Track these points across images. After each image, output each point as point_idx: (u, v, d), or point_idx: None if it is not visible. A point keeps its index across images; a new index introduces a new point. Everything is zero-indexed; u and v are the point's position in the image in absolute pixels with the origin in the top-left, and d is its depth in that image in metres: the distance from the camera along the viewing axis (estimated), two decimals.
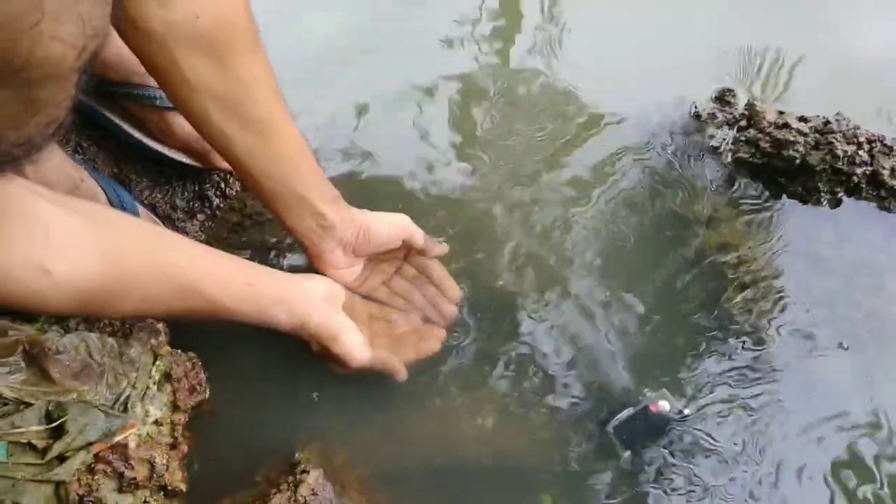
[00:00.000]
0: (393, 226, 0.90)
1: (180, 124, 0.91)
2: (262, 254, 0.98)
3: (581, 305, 0.95)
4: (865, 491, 0.85)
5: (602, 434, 0.86)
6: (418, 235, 0.92)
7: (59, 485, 0.69)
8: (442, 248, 0.95)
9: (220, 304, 0.74)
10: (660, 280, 0.97)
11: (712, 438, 0.87)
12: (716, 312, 0.94)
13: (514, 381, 0.91)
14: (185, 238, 0.75)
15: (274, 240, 0.99)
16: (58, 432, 0.70)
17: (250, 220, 1.00)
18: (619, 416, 0.86)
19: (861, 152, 0.97)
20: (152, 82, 0.88)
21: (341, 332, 0.81)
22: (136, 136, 0.94)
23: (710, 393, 0.89)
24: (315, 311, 0.80)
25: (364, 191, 0.90)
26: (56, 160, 0.85)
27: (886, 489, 0.84)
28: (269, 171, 0.79)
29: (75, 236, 0.63)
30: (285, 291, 0.80)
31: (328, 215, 0.84)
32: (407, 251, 0.93)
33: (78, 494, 0.70)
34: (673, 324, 0.94)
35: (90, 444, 0.71)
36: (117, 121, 0.93)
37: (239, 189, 1.01)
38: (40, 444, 0.69)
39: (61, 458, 0.69)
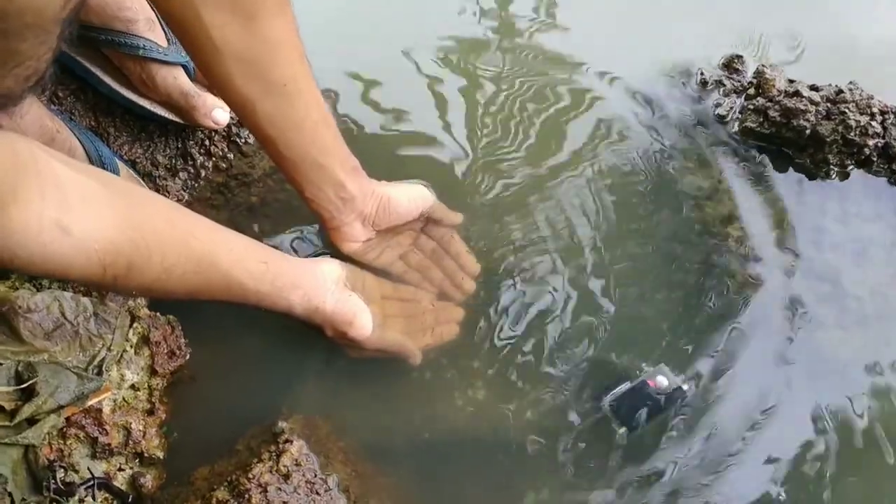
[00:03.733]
0: (412, 197, 0.89)
1: (163, 76, 0.87)
2: (248, 216, 0.95)
3: (577, 278, 0.94)
4: (868, 466, 0.84)
5: (598, 409, 0.85)
6: (437, 206, 0.91)
7: (28, 448, 0.68)
8: (458, 216, 0.93)
9: (235, 280, 0.72)
10: (660, 252, 0.95)
11: (711, 415, 0.85)
12: (718, 287, 0.93)
13: (507, 354, 0.89)
14: (197, 214, 0.73)
15: (260, 202, 0.96)
16: (28, 394, 0.68)
17: (236, 181, 0.97)
18: (615, 390, 0.85)
19: (874, 123, 0.95)
20: (136, 29, 0.85)
21: (356, 317, 0.80)
22: (115, 87, 0.90)
23: (710, 369, 0.88)
24: (329, 296, 0.79)
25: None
26: (32, 111, 0.81)
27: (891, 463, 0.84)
28: (290, 138, 0.77)
29: (91, 197, 0.60)
30: (300, 276, 0.78)
31: (348, 186, 0.82)
32: (425, 222, 0.93)
33: (48, 459, 0.68)
34: (673, 297, 0.92)
35: (61, 407, 0.69)
36: (95, 71, 0.89)
37: (224, 148, 0.97)
38: (9, 405, 0.67)
39: (31, 421, 0.68)
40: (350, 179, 0.82)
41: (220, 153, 0.97)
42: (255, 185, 0.97)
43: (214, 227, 0.73)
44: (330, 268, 0.83)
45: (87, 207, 0.59)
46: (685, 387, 0.85)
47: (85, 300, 0.75)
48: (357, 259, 0.88)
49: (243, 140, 0.98)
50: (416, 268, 0.92)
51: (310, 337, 0.83)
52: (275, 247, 0.90)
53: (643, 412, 0.83)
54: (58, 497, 0.66)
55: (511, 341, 0.90)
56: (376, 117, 1.05)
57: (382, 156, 1.00)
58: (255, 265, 0.74)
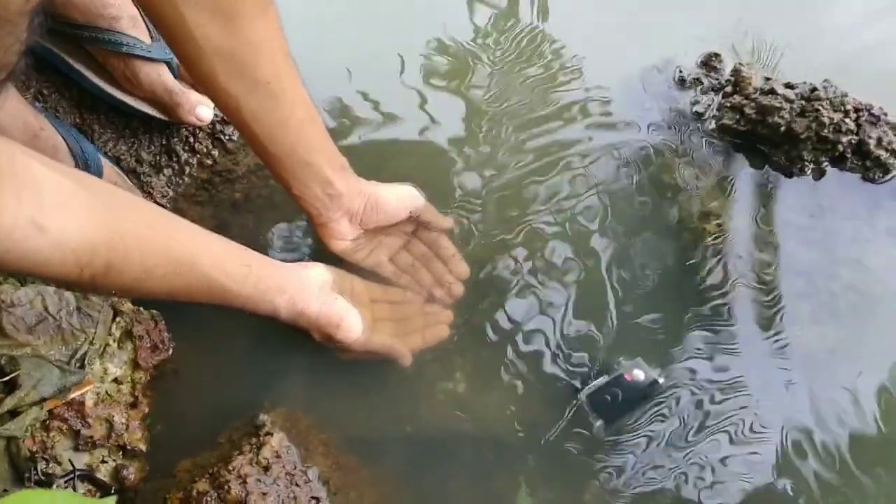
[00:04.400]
0: (401, 197, 0.88)
1: (147, 73, 0.88)
2: (232, 212, 0.96)
3: (556, 273, 0.94)
4: (835, 461, 0.84)
5: (575, 402, 0.86)
6: (426, 209, 0.90)
7: (10, 440, 0.68)
8: (447, 221, 0.93)
9: (216, 282, 0.71)
10: (637, 248, 0.96)
11: (686, 409, 0.86)
12: (694, 282, 0.94)
13: (487, 348, 0.89)
14: (179, 217, 0.73)
15: (244, 198, 0.97)
16: (10, 387, 0.69)
17: (220, 178, 0.97)
18: (592, 383, 0.86)
19: (847, 120, 0.96)
20: (119, 26, 0.85)
21: (343, 319, 0.79)
22: (100, 84, 0.90)
23: (686, 363, 0.89)
24: (314, 300, 0.78)
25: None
26: (14, 107, 0.81)
27: (855, 459, 0.84)
28: (275, 135, 0.76)
29: (70, 197, 0.60)
30: (284, 280, 0.77)
31: (335, 183, 0.81)
32: (415, 225, 0.92)
33: (30, 451, 0.69)
34: (650, 292, 0.93)
35: (44, 399, 0.70)
36: (79, 67, 0.90)
37: (209, 145, 0.98)
38: None
39: (13, 413, 0.69)
40: (337, 177, 0.82)
41: (205, 150, 0.97)
42: (240, 182, 0.97)
43: (196, 230, 0.72)
44: (316, 272, 0.82)
45: (66, 208, 0.59)
46: (661, 380, 0.86)
47: (68, 295, 0.76)
48: (345, 258, 0.87)
49: (227, 137, 0.98)
50: (406, 270, 0.91)
51: (294, 333, 0.82)
52: (259, 242, 0.93)
53: (619, 405, 0.85)
54: (38, 487, 0.66)
55: (492, 339, 0.90)
56: (366, 116, 1.04)
57: (371, 156, 1.00)
58: (237, 268, 0.73)
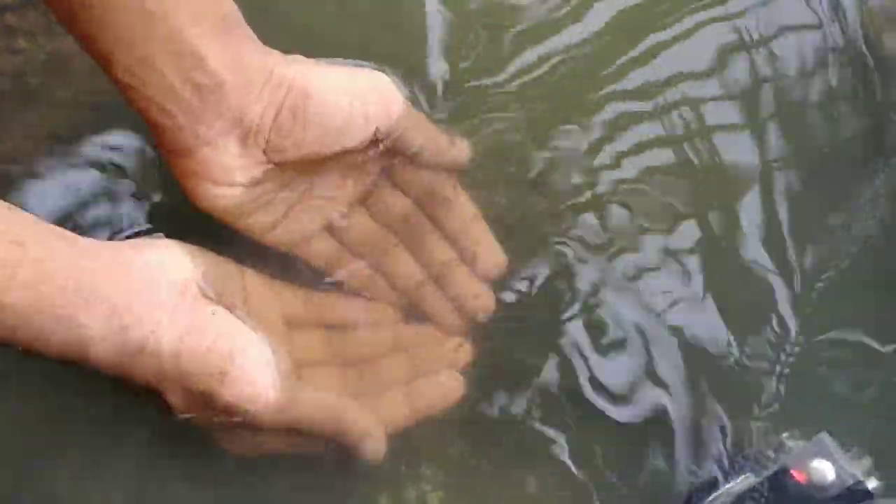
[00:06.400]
0: (358, 94, 0.56)
1: None
2: None
3: (665, 262, 0.61)
4: None
5: None
6: (413, 120, 0.58)
7: None
8: (461, 146, 0.61)
9: None
10: (827, 209, 0.62)
11: None
12: None
13: (514, 423, 0.57)
14: None
15: None
16: None
17: None
18: (724, 487, 0.57)
19: None
20: None
21: (235, 360, 0.49)
22: None
23: None
24: (167, 319, 0.49)
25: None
26: None
27: None
28: None
29: None
30: (99, 276, 0.48)
31: (210, 59, 0.52)
32: (389, 157, 0.59)
33: None
34: (850, 299, 0.60)
35: None
36: None
37: None
38: None
39: None
40: (216, 44, 0.52)
41: None
42: None
43: None
44: (165, 258, 0.51)
45: None
46: (872, 484, 0.55)
47: None
48: (233, 225, 0.55)
49: None
50: (366, 252, 0.59)
51: (120, 397, 0.51)
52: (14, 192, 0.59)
53: None
54: None
55: (525, 396, 0.57)
56: None
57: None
58: None
